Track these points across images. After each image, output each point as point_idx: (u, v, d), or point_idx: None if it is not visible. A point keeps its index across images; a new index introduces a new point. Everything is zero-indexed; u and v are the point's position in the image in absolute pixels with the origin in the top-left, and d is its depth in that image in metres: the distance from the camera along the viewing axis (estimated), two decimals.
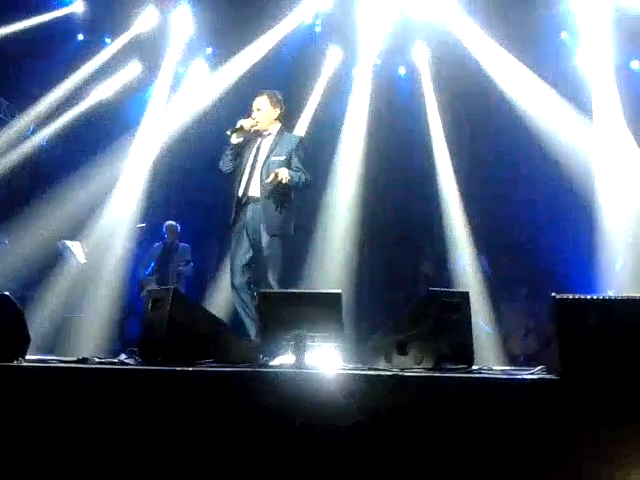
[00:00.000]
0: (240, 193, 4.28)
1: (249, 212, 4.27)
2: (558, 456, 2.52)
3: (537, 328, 6.86)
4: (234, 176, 4.38)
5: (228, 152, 4.33)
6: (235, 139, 4.27)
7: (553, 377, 2.69)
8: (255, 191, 4.25)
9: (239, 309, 4.31)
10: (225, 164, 4.37)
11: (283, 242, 4.29)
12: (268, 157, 4.28)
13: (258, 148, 4.33)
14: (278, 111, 4.40)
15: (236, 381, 2.85)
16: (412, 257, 8.17)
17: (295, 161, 4.31)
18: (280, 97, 4.44)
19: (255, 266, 4.31)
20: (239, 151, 4.34)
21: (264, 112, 4.33)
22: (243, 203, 4.28)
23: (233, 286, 4.33)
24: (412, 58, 8.33)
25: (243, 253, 4.31)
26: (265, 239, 4.21)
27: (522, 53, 7.56)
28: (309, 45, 8.30)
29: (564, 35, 7.70)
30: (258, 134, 4.36)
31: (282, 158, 4.27)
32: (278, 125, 4.42)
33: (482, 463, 2.56)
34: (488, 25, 7.55)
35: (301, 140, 4.40)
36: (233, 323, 4.55)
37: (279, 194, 4.20)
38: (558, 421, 2.54)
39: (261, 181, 4.23)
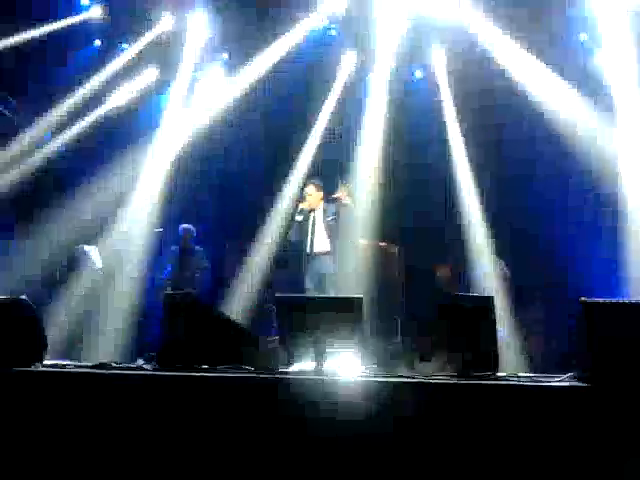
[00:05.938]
0: (308, 250, 6.37)
1: (317, 263, 6.34)
2: (589, 465, 2.44)
3: (557, 332, 6.73)
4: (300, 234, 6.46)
5: (296, 228, 6.42)
6: (299, 218, 6.36)
7: (584, 384, 2.61)
8: (318, 248, 6.37)
9: None
10: (293, 237, 6.46)
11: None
12: (323, 221, 6.41)
13: (314, 218, 6.42)
14: (322, 193, 6.53)
15: (255, 388, 2.80)
16: (431, 263, 8.05)
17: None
18: (321, 183, 6.61)
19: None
20: (302, 225, 6.38)
21: (314, 196, 6.48)
22: (312, 257, 6.34)
23: None
24: (429, 61, 8.25)
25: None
26: (330, 276, 6.28)
27: (542, 52, 7.45)
28: (325, 49, 8.24)
29: (583, 36, 7.59)
30: (312, 210, 6.44)
31: (333, 217, 6.36)
32: (323, 202, 6.50)
33: (510, 472, 2.49)
34: (506, 25, 7.44)
35: (335, 199, 6.42)
36: (254, 326, 4.52)
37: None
38: (590, 430, 2.45)
39: (321, 240, 6.39)
